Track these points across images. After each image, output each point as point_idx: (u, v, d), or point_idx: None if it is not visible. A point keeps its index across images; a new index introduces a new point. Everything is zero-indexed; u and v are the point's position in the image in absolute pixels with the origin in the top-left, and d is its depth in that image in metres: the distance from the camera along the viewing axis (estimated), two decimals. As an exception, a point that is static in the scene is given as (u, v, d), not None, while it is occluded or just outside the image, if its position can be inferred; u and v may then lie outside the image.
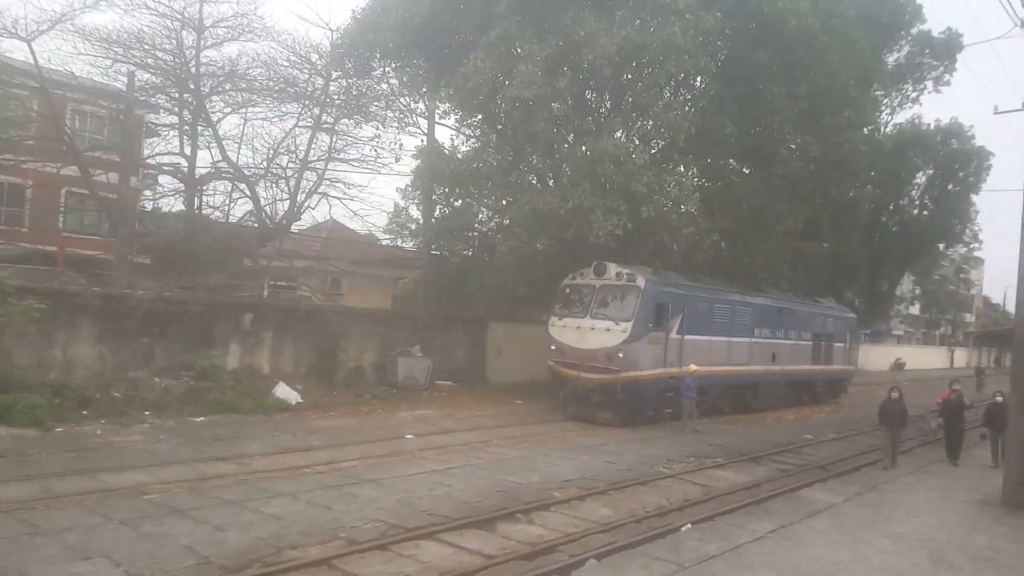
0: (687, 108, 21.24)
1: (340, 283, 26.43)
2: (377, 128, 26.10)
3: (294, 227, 26.47)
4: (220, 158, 25.49)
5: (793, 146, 22.54)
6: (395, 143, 30.98)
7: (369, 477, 12.88)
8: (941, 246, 49.89)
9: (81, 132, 26.65)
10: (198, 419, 17.21)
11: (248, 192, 26.20)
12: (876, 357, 57.91)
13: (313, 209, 30.03)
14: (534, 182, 22.60)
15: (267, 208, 28.28)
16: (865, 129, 25.58)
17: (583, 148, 20.24)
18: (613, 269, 21.38)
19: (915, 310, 70.79)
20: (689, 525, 10.97)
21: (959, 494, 14.19)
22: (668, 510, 12.03)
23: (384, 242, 33.03)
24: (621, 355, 20.35)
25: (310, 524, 10.06)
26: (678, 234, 21.45)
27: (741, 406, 25.37)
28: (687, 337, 22.02)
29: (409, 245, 28.66)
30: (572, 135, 21.72)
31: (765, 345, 26.09)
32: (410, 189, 25.59)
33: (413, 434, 17.39)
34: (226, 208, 26.53)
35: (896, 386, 16.30)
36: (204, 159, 35.05)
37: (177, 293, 19.87)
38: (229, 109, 25.95)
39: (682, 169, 22.23)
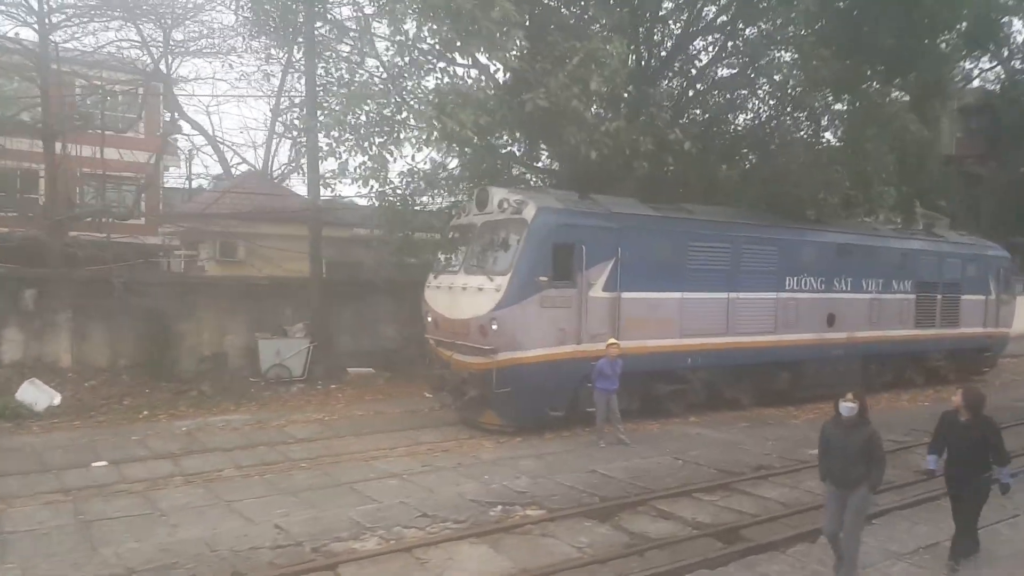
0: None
1: (235, 248, 20.75)
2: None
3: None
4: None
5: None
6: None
7: None
8: None
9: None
10: None
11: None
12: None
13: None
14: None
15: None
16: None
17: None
18: (497, 197, 14.03)
19: None
20: None
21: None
22: None
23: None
24: (495, 327, 13.06)
25: None
26: (596, 133, 13.52)
27: (774, 395, 16.91)
28: (627, 295, 14.13)
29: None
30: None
31: (811, 302, 17.21)
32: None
33: (109, 461, 11.44)
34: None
35: (855, 391, 7.00)
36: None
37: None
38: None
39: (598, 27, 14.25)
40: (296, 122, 17.64)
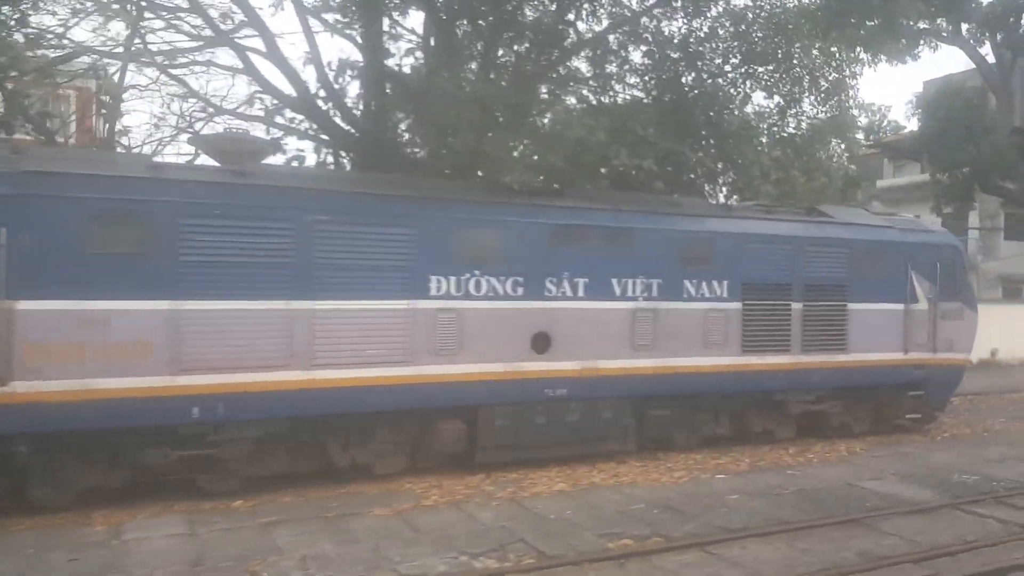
0: None
1: None
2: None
3: None
4: None
5: None
6: None
7: None
8: None
9: None
10: None
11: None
12: None
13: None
14: None
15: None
16: None
17: None
18: None
19: None
20: None
21: None
22: None
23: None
24: None
25: None
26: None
27: (448, 458, 10.76)
28: (31, 305, 8.53)
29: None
30: None
31: (493, 315, 10.77)
32: None
33: None
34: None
35: None
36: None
37: None
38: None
39: None
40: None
